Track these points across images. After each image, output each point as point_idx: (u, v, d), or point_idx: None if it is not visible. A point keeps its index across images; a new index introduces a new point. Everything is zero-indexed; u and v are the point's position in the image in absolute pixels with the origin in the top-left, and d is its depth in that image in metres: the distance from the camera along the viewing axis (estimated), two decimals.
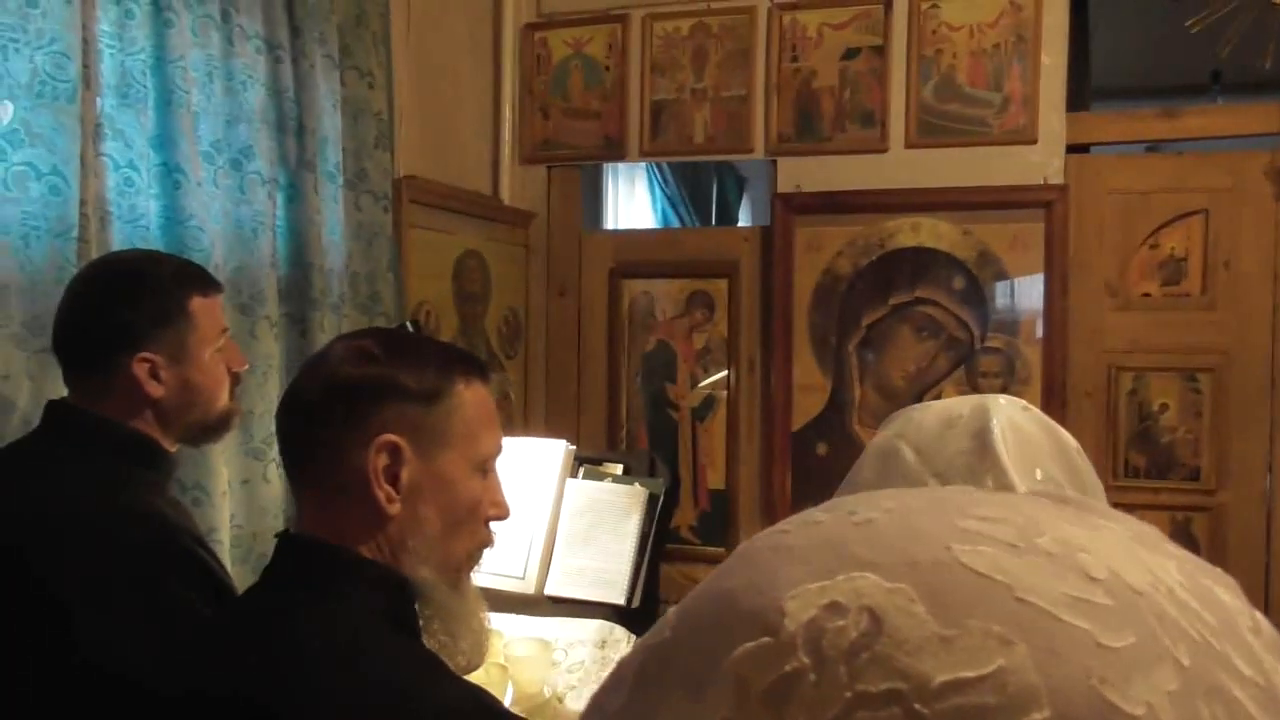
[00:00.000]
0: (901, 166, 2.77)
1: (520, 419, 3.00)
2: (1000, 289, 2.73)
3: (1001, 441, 0.81)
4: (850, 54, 2.80)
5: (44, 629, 1.26)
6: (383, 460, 1.03)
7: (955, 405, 0.87)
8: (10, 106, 1.58)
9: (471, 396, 1.09)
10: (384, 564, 1.05)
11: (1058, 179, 2.67)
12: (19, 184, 1.61)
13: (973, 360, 2.75)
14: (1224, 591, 0.32)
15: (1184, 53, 2.63)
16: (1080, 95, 2.78)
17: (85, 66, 1.70)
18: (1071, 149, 2.69)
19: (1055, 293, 2.67)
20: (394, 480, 1.03)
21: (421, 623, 1.08)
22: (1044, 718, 0.27)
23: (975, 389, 2.74)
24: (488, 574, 1.95)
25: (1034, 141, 2.68)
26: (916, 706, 0.28)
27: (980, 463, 0.81)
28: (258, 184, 2.02)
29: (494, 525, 1.15)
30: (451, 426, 1.07)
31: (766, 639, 0.30)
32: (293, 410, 1.08)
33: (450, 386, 1.07)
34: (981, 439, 0.82)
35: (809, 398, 2.85)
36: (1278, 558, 2.53)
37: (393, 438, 1.03)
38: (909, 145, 2.77)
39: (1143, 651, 0.29)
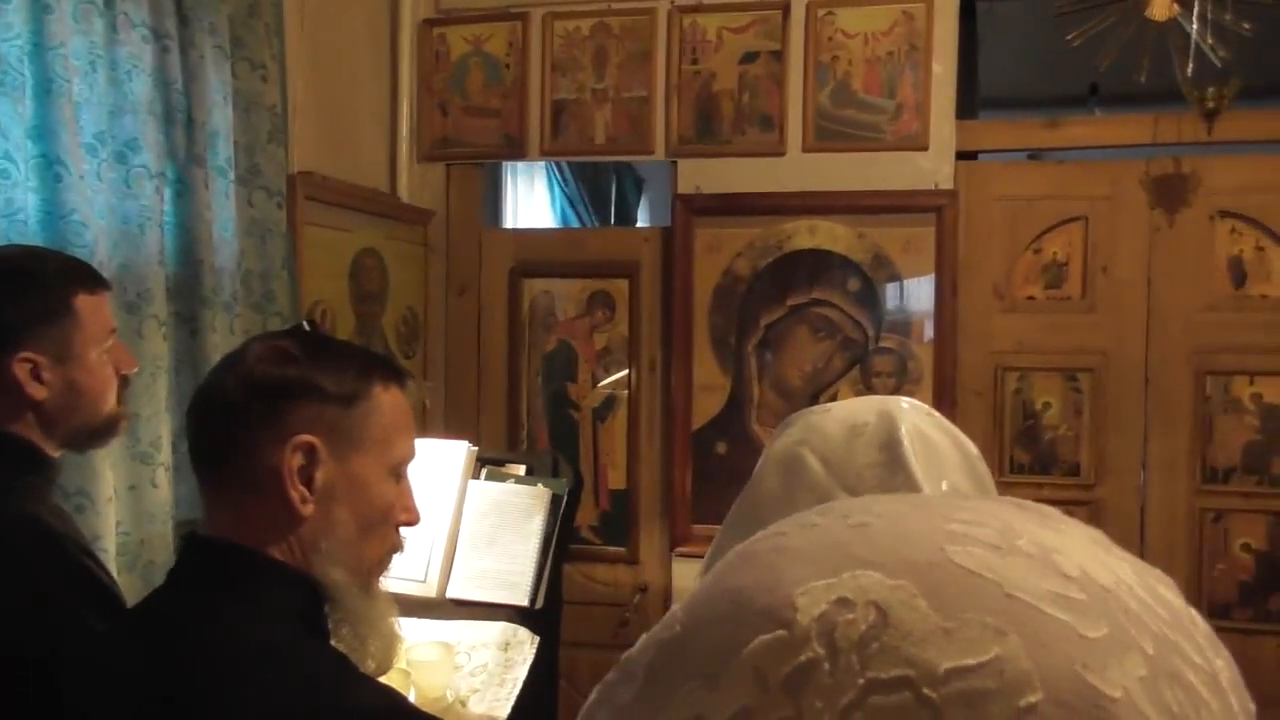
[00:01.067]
0: (799, 170, 2.82)
1: (420, 420, 2.96)
2: (893, 291, 2.81)
3: (912, 454, 0.82)
4: (749, 58, 2.84)
5: None
6: (298, 460, 1.02)
7: (858, 411, 0.87)
8: None
9: (389, 401, 1.09)
10: (295, 566, 1.03)
11: (948, 184, 2.76)
12: None
13: (867, 360, 2.82)
14: (1166, 590, 0.37)
15: (1066, 65, 2.76)
16: (969, 104, 2.89)
17: None
18: (960, 155, 2.78)
19: (945, 295, 2.76)
20: (308, 481, 1.02)
21: (330, 626, 1.07)
22: (1038, 699, 0.30)
23: (870, 388, 2.81)
24: (390, 577, 1.91)
25: (926, 148, 2.76)
26: (925, 691, 0.31)
27: (892, 476, 0.81)
28: (144, 178, 1.95)
29: (403, 531, 1.14)
30: (368, 430, 1.06)
31: (781, 632, 0.33)
32: (207, 409, 1.06)
33: (369, 390, 1.07)
34: (891, 451, 0.82)
35: (709, 397, 2.88)
36: (1151, 548, 2.67)
37: (309, 438, 1.02)
38: (806, 149, 2.82)
39: (1115, 641, 0.32)
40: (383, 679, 1.11)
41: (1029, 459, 2.76)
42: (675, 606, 0.38)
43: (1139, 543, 2.68)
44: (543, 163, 3.52)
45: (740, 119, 2.85)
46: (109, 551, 1.83)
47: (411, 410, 1.15)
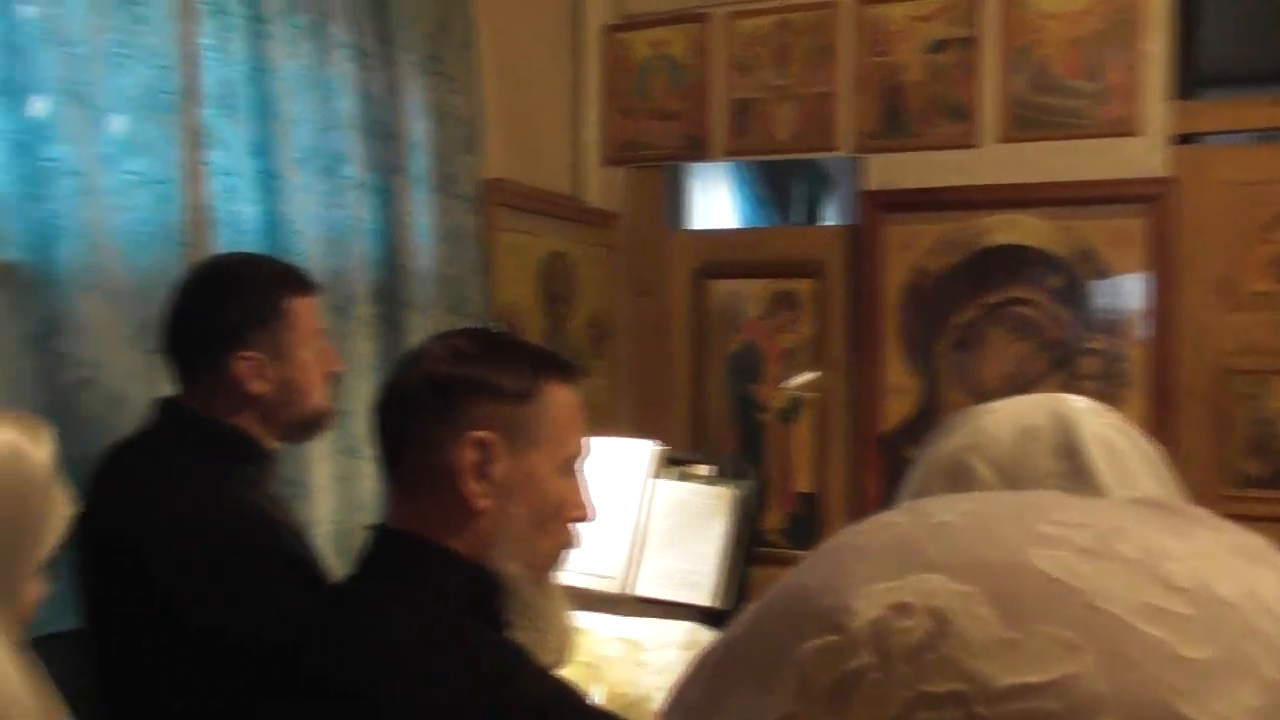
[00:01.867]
0: (994, 161, 2.70)
1: (607, 420, 3.01)
2: (1102, 288, 2.64)
3: (1097, 460, 0.74)
4: (937, 46, 2.74)
5: (153, 613, 1.31)
6: (473, 456, 1.05)
7: (1028, 412, 0.79)
8: None
9: (561, 398, 1.11)
10: (472, 557, 1.06)
11: (1162, 171, 2.57)
12: (129, 192, 1.68)
13: (1072, 362, 2.67)
14: None
15: None
16: (1187, 83, 2.68)
17: (188, 78, 1.76)
18: (1177, 140, 2.59)
19: (1161, 291, 2.57)
20: (483, 476, 1.05)
21: (508, 618, 1.09)
22: None
23: (1077, 392, 2.64)
24: (575, 572, 1.96)
25: (1136, 133, 2.58)
26: (978, 709, 0.27)
27: (1076, 486, 0.73)
28: (350, 188, 2.08)
29: (577, 527, 1.16)
30: (541, 426, 1.08)
31: (833, 636, 0.30)
32: (388, 406, 1.11)
33: (541, 387, 1.09)
34: (1073, 458, 0.75)
35: (899, 399, 2.80)
36: None
37: (484, 434, 1.05)
38: (1001, 139, 2.70)
39: (1225, 665, 0.28)
40: (566, 673, 1.13)
41: (1262, 471, 2.52)
42: (751, 603, 0.36)
43: None
44: (725, 163, 3.52)
45: (929, 110, 2.76)
46: (320, 539, 1.96)
47: (582, 408, 1.16)
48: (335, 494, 2.06)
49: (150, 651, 1.33)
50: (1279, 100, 2.55)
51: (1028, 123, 2.68)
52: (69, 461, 1.54)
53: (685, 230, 3.40)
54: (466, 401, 1.06)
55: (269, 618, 1.23)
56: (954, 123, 2.74)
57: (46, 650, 1.49)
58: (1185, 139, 2.60)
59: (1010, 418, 0.79)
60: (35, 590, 0.90)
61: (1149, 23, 2.57)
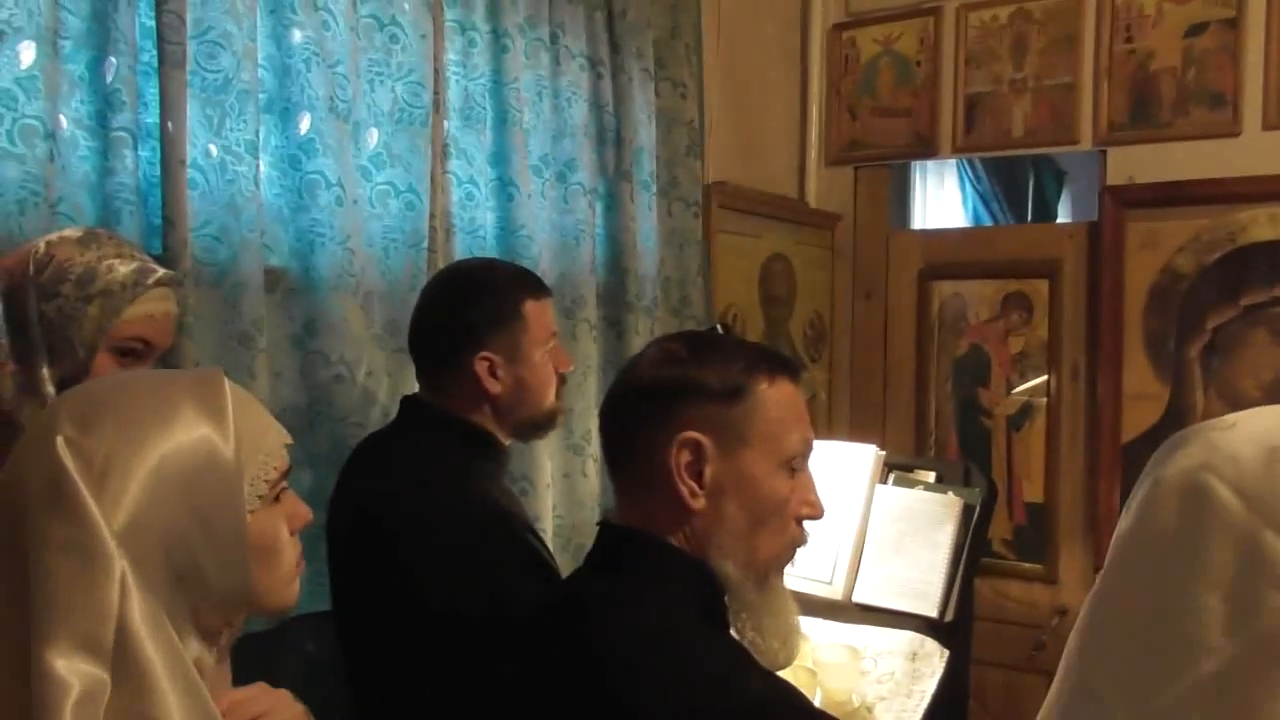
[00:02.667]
0: (1258, 151, 2.48)
1: (825, 423, 2.98)
2: None
3: None
4: (1195, 30, 2.54)
5: (400, 596, 1.41)
6: (685, 457, 1.06)
7: (1274, 427, 0.70)
8: None
9: (775, 394, 1.10)
10: (693, 555, 1.07)
11: None
12: (381, 202, 1.81)
13: None
14: None
15: None
16: None
17: (436, 93, 1.88)
18: None
19: None
20: (698, 476, 1.06)
21: (730, 617, 1.10)
22: None
23: None
24: (795, 577, 1.94)
25: None
26: None
27: None
28: (579, 194, 2.14)
29: (807, 525, 1.14)
30: (753, 424, 1.08)
31: None
32: (609, 410, 1.15)
33: (752, 385, 1.09)
34: None
35: (1142, 407, 2.62)
36: None
37: (694, 435, 1.06)
38: (1267, 127, 2.48)
39: None
40: (789, 676, 1.12)
41: None
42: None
43: None
44: (953, 161, 3.40)
45: (1183, 99, 2.56)
46: (547, 532, 2.03)
47: (804, 404, 1.14)
48: (560, 489, 2.14)
49: (395, 632, 1.42)
50: None
51: None
52: (324, 453, 1.69)
53: (910, 230, 3.31)
54: (677, 403, 1.07)
55: (509, 604, 1.29)
56: (1212, 111, 2.53)
57: (298, 630, 1.64)
58: None
59: (1254, 433, 0.70)
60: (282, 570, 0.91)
61: None
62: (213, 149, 1.54)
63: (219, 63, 1.54)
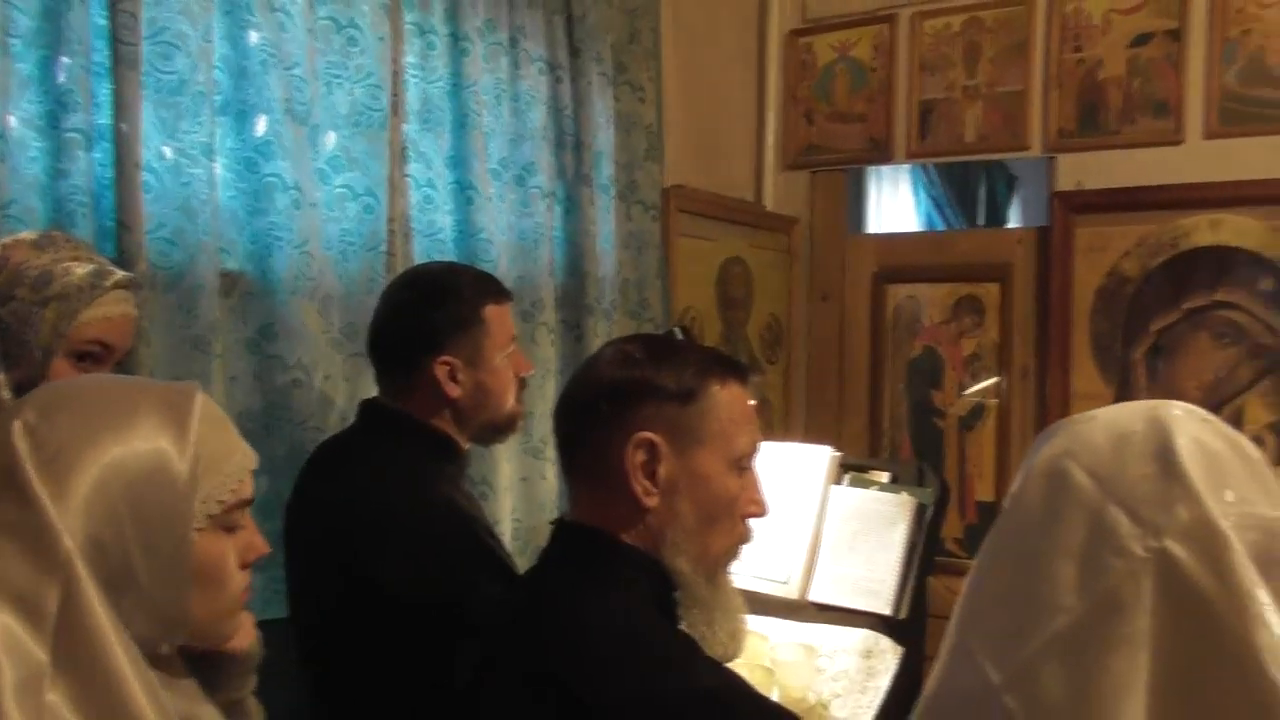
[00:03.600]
0: (1199, 159, 2.55)
1: (781, 425, 3.01)
2: None
3: (1190, 463, 0.76)
4: (1140, 40, 2.60)
5: (359, 600, 1.40)
6: (640, 456, 1.08)
7: (1125, 418, 0.81)
8: None
9: (727, 397, 1.13)
10: (646, 552, 1.10)
11: None
12: (339, 205, 1.80)
13: None
14: None
15: None
16: None
17: (394, 96, 1.87)
18: None
19: None
20: (652, 475, 1.08)
21: (681, 612, 1.12)
22: None
23: None
24: (752, 577, 1.96)
25: None
26: None
27: (1167, 488, 0.75)
28: (539, 197, 2.15)
29: (752, 523, 1.17)
30: (707, 425, 1.11)
31: None
32: (564, 410, 1.17)
33: (706, 387, 1.12)
34: (1165, 461, 0.76)
35: (1089, 407, 2.61)
36: None
37: (649, 435, 1.08)
38: (1208, 135, 2.54)
39: None
40: (746, 674, 1.14)
41: None
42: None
43: None
44: (908, 166, 3.44)
45: (1130, 107, 2.62)
46: (506, 534, 2.04)
47: (752, 406, 1.17)
48: (519, 493, 2.14)
49: (357, 636, 1.42)
50: None
51: (1237, 117, 2.51)
52: (282, 458, 1.68)
53: (865, 234, 3.35)
54: (633, 404, 1.10)
55: (470, 605, 1.30)
56: (1156, 119, 2.60)
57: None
58: None
59: (1107, 423, 0.82)
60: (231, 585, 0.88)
61: None
62: (167, 151, 1.53)
63: (174, 64, 1.53)
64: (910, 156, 2.96)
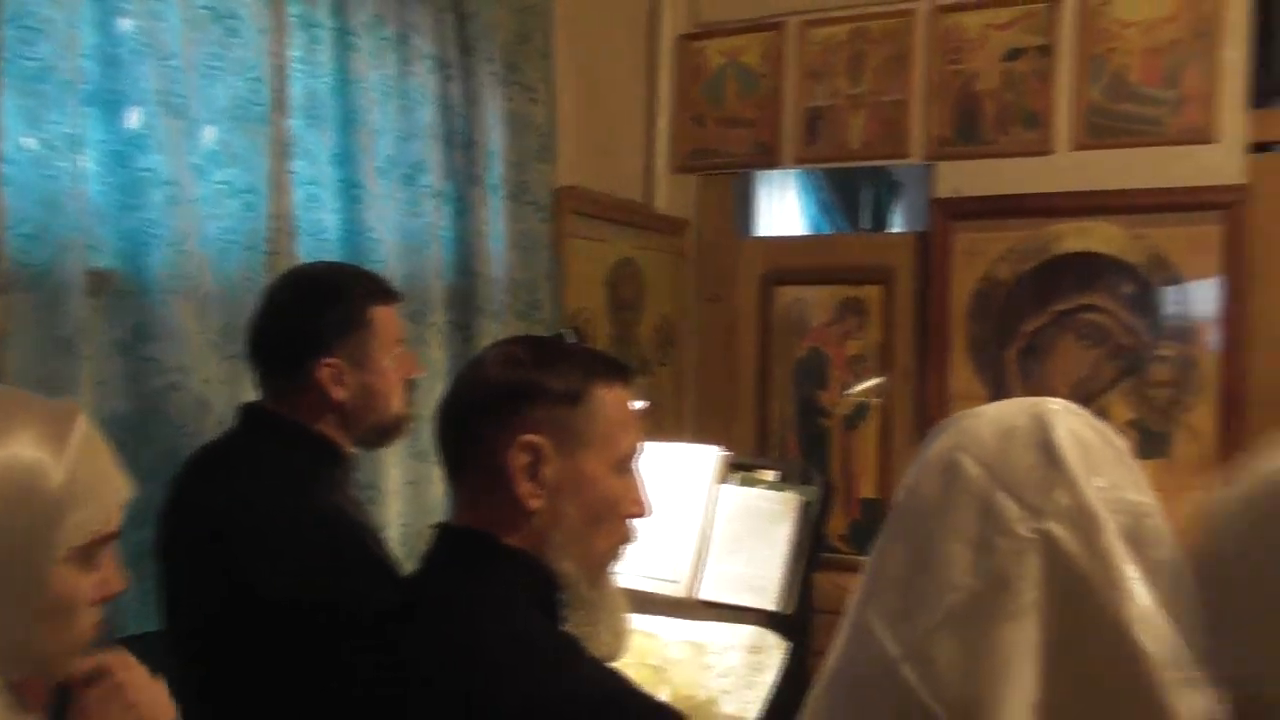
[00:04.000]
0: (1068, 169, 2.67)
1: (672, 425, 3.03)
2: (1173, 295, 2.60)
3: (1069, 453, 0.84)
4: (1013, 55, 2.72)
5: (238, 610, 1.36)
6: (524, 459, 1.08)
7: (1010, 414, 0.89)
8: None
9: (611, 399, 1.14)
10: (529, 553, 1.10)
11: (1238, 179, 2.53)
12: (218, 201, 1.74)
13: (1143, 369, 2.63)
14: None
15: None
16: (1263, 91, 2.62)
17: (276, 90, 1.82)
18: (1255, 148, 2.54)
19: (1233, 299, 2.53)
20: (535, 477, 1.08)
21: (563, 612, 1.13)
22: None
23: (1146, 399, 2.62)
24: (641, 576, 1.98)
25: (1213, 140, 2.54)
26: None
27: (1049, 476, 0.84)
28: (428, 197, 2.12)
29: (635, 523, 1.18)
30: (592, 427, 1.11)
31: None
32: (448, 413, 1.16)
33: (591, 390, 1.12)
34: (1047, 452, 0.85)
35: (966, 406, 2.76)
36: None
37: (534, 437, 1.08)
38: (1076, 147, 2.67)
39: None
40: (635, 674, 1.15)
41: None
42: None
43: None
44: (795, 171, 3.52)
45: (1003, 118, 2.74)
46: (393, 540, 2.00)
47: (635, 407, 1.18)
48: (406, 497, 2.11)
49: (239, 645, 1.38)
50: None
51: (1102, 130, 2.65)
52: (156, 466, 1.61)
53: (754, 237, 3.41)
54: (518, 406, 1.10)
55: (355, 611, 1.27)
56: (1028, 130, 2.71)
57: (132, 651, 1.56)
58: (1261, 147, 2.56)
59: (993, 419, 0.90)
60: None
61: (1228, 32, 2.52)
62: (30, 142, 1.45)
63: (37, 50, 1.44)
64: (798, 161, 3.02)
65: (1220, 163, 2.54)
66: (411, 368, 1.62)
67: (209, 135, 1.73)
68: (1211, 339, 2.56)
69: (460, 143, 2.20)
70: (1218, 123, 2.54)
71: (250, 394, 1.61)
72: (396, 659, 1.07)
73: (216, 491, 1.45)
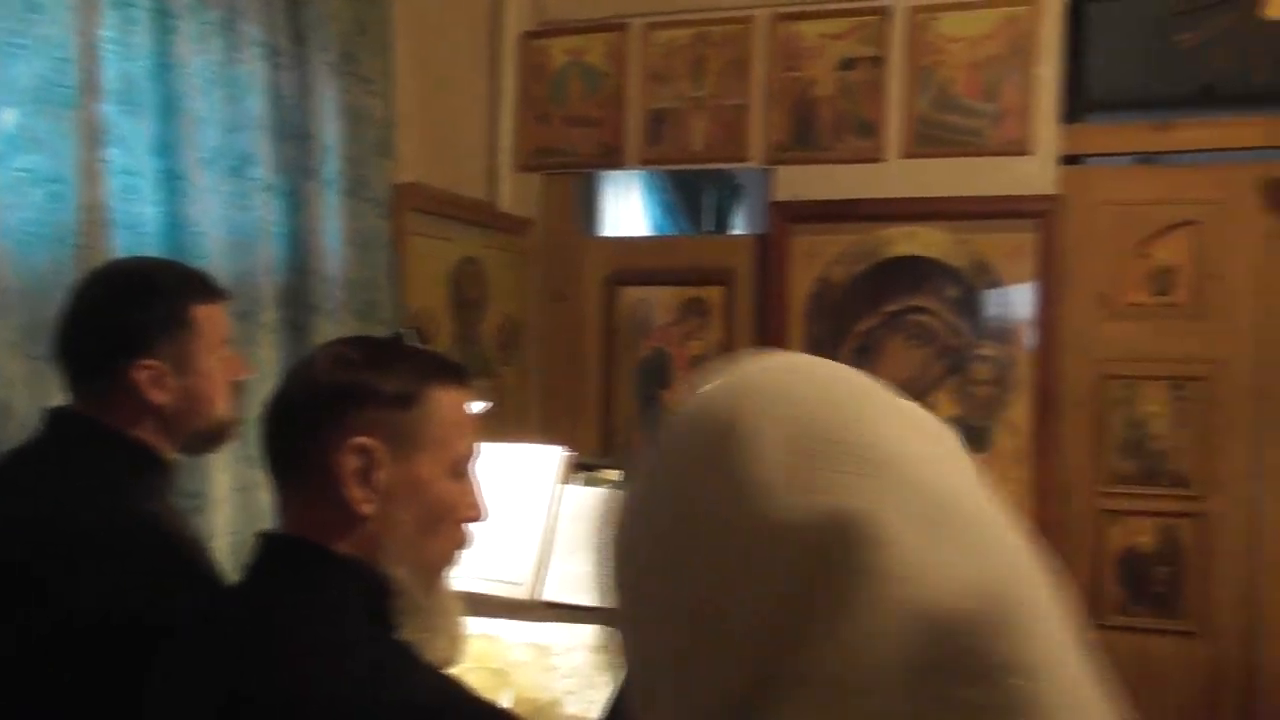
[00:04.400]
0: (898, 176, 2.79)
1: (516, 425, 3.01)
2: (994, 297, 2.75)
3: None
4: (848, 64, 2.82)
5: (54, 618, 1.27)
6: (355, 463, 1.05)
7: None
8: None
9: (447, 401, 1.11)
10: (360, 560, 1.07)
11: (1051, 189, 2.70)
12: (19, 190, 1.62)
13: (966, 368, 2.77)
14: None
15: (1178, 66, 2.66)
16: (1076, 108, 2.81)
17: (87, 71, 1.70)
18: (1066, 160, 2.71)
19: (1047, 302, 2.70)
20: (367, 482, 1.05)
21: (397, 620, 1.10)
22: None
23: (968, 396, 2.76)
24: (483, 579, 1.95)
25: (1029, 152, 2.70)
26: None
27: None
28: (257, 190, 2.03)
29: (472, 527, 1.17)
30: (426, 430, 1.09)
31: None
32: (274, 415, 1.11)
33: (425, 391, 1.10)
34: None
35: None
36: (1264, 564, 2.55)
37: (365, 441, 1.05)
38: (905, 155, 2.79)
39: None
40: (479, 678, 1.14)
41: (1134, 470, 2.67)
42: None
43: (1252, 557, 2.57)
44: (639, 171, 3.55)
45: (838, 125, 2.83)
46: (221, 550, 1.91)
47: (472, 410, 1.17)
48: (236, 505, 2.02)
49: (53, 663, 1.29)
50: (1157, 126, 2.69)
51: (929, 140, 2.77)
52: None
53: (599, 237, 3.42)
54: (349, 409, 1.06)
55: (177, 625, 1.20)
56: (861, 138, 2.82)
57: None
58: (1072, 160, 2.73)
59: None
60: None
61: (1042, 49, 2.69)
62: None
63: None
64: (642, 162, 3.05)
65: (1035, 174, 2.70)
66: (239, 369, 1.55)
67: (8, 118, 1.60)
68: (1027, 340, 2.72)
69: (293, 135, 2.12)
70: (1033, 136, 2.70)
71: (57, 397, 1.50)
72: (213, 674, 1.02)
73: (21, 502, 1.35)
